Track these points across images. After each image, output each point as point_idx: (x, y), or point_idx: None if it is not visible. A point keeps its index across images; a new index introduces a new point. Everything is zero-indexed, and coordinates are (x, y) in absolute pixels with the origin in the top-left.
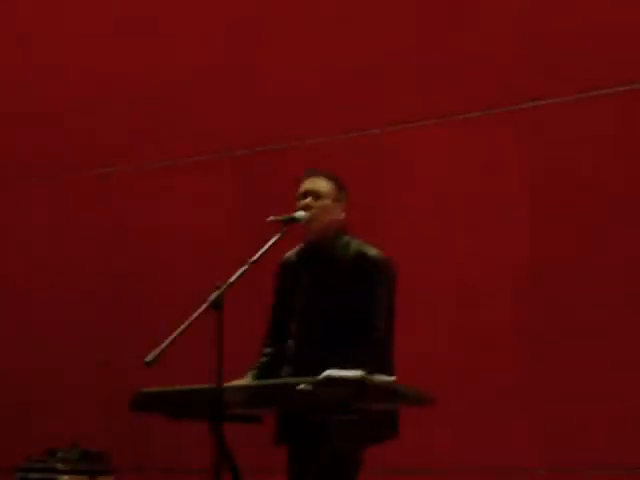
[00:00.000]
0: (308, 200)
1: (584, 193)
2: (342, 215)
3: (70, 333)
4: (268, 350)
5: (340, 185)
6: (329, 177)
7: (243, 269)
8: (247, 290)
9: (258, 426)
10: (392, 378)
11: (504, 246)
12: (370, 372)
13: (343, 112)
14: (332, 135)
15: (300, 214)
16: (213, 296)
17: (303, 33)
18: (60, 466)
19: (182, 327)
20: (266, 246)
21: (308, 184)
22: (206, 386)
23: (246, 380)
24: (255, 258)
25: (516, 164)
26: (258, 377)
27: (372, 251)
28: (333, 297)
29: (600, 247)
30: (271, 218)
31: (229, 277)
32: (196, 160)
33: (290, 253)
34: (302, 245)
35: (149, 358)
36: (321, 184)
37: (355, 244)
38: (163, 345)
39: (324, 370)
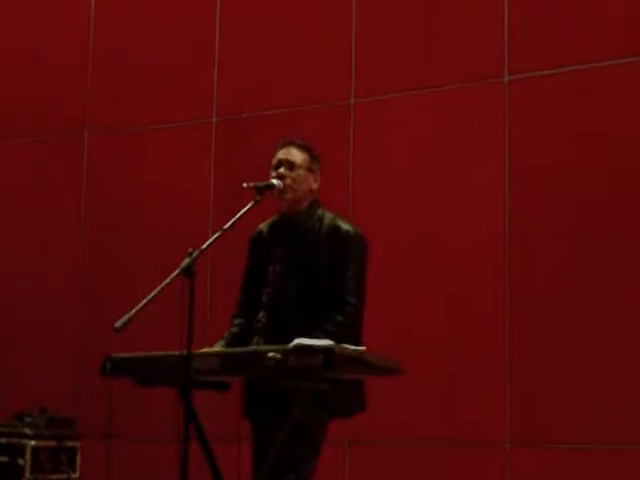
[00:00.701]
0: (282, 170)
1: (564, 166)
2: (315, 185)
3: (41, 297)
4: (238, 321)
5: (314, 155)
6: (303, 147)
7: (216, 236)
8: (222, 257)
9: (225, 395)
10: (362, 348)
11: (482, 218)
12: (340, 343)
13: (316, 81)
14: (306, 105)
15: (275, 181)
16: (185, 263)
17: (283, 2)
18: (27, 431)
19: (152, 293)
20: (240, 213)
21: (282, 154)
22: (175, 352)
23: (214, 348)
24: (228, 225)
25: (494, 137)
26: (227, 347)
27: (345, 225)
28: (305, 270)
29: (580, 218)
30: (246, 184)
31: (203, 243)
32: (174, 126)
33: (262, 225)
34: (275, 217)
35: (118, 324)
36: (295, 154)
37: (328, 217)
38: (132, 311)
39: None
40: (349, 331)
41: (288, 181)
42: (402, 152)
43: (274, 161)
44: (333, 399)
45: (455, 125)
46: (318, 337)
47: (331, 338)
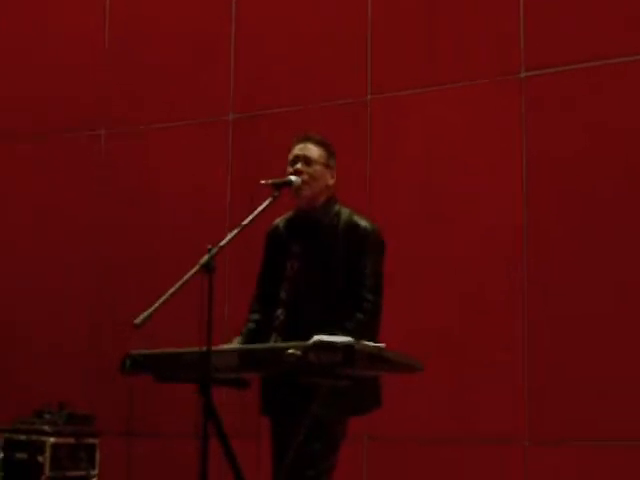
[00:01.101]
0: (299, 165)
1: (581, 160)
2: (332, 181)
3: (60, 294)
4: (255, 317)
5: (330, 151)
6: (320, 142)
7: (235, 232)
8: (239, 253)
9: (245, 392)
10: (382, 345)
11: (499, 214)
12: (359, 340)
13: (333, 78)
14: (323, 101)
15: (293, 178)
16: (204, 259)
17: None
18: (46, 428)
19: (172, 290)
20: (258, 210)
21: (299, 149)
22: (195, 349)
23: (233, 345)
24: (247, 221)
25: (511, 133)
26: (245, 343)
27: (363, 222)
28: (323, 267)
29: (597, 212)
30: (264, 181)
31: (221, 240)
32: (190, 124)
33: (278, 220)
34: (291, 212)
35: (138, 320)
36: (312, 149)
37: (345, 213)
38: (152, 308)
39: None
40: (368, 328)
41: (305, 177)
42: (420, 149)
43: (290, 157)
44: (351, 396)
45: (472, 121)
46: (337, 334)
47: (351, 336)
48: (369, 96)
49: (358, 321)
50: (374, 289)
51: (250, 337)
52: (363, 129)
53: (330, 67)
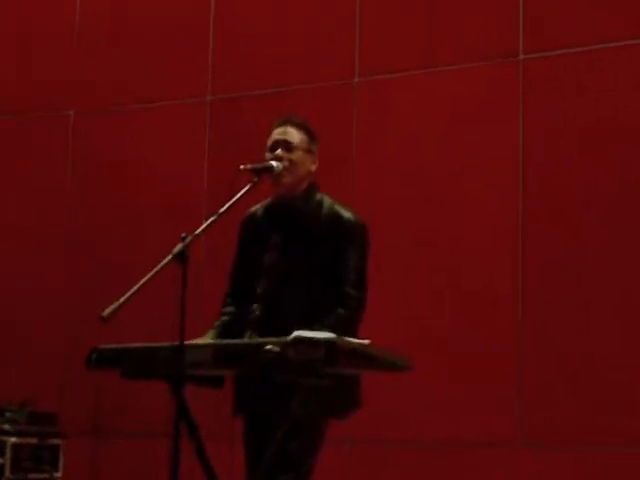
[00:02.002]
0: (279, 151)
1: (581, 145)
2: (314, 168)
3: (22, 284)
4: (229, 309)
5: (313, 135)
6: (301, 126)
7: (211, 220)
8: (216, 243)
9: (219, 392)
10: (366, 341)
11: (494, 203)
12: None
13: (318, 59)
14: (307, 83)
15: (274, 163)
16: (178, 248)
17: None
18: (7, 427)
19: (142, 281)
20: (236, 197)
21: (279, 133)
22: (167, 344)
23: (205, 339)
24: (224, 209)
25: (508, 117)
26: (218, 337)
27: (346, 213)
28: (303, 259)
29: (596, 199)
30: (243, 166)
31: (197, 228)
32: (166, 105)
33: (255, 208)
34: (269, 200)
35: (106, 313)
36: (293, 134)
37: (328, 203)
38: (121, 300)
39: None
40: (349, 325)
41: (286, 163)
42: (410, 135)
43: (270, 141)
44: (327, 395)
45: (468, 105)
46: (316, 330)
47: (330, 332)
48: (356, 78)
49: (339, 316)
50: (357, 284)
51: (224, 331)
52: (349, 113)
53: (315, 46)
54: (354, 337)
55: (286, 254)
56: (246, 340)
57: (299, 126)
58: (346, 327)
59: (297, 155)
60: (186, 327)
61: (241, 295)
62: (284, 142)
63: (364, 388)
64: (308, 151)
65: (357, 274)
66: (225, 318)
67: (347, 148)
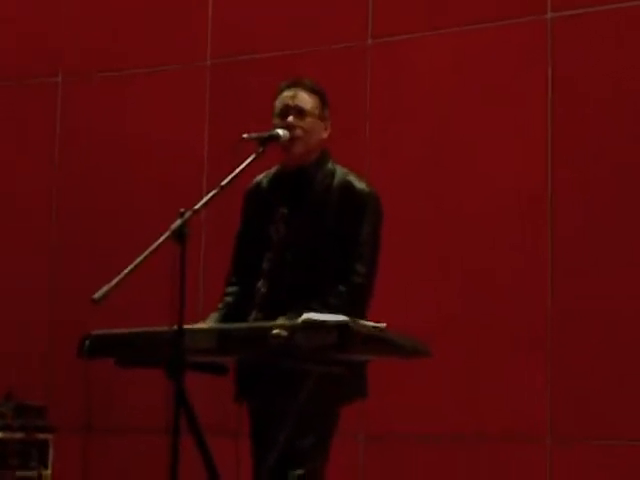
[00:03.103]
0: (290, 118)
1: (612, 109)
2: (326, 135)
3: (6, 267)
4: (232, 289)
5: (325, 100)
6: (313, 90)
7: (212, 194)
8: (217, 219)
9: (222, 381)
10: (382, 324)
11: (519, 177)
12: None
13: (327, 19)
14: (315, 46)
15: (281, 132)
16: (175, 225)
17: None
18: None
19: (137, 260)
20: (239, 168)
21: (289, 98)
22: (165, 328)
23: (208, 323)
24: (226, 182)
25: (535, 79)
26: (222, 321)
27: (360, 184)
28: (313, 233)
29: (629, 163)
30: (246, 135)
31: (196, 203)
32: (162, 70)
33: (261, 177)
34: (277, 168)
35: (97, 295)
36: (305, 98)
37: (340, 173)
38: (114, 281)
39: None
40: (355, 306)
41: (298, 132)
42: (428, 101)
43: (279, 106)
44: (339, 382)
45: (491, 68)
46: (318, 311)
47: (332, 312)
48: (369, 40)
49: (343, 296)
50: (367, 260)
51: (228, 314)
52: (362, 78)
53: (324, 6)
54: (361, 318)
55: (294, 227)
56: (250, 324)
57: (311, 89)
58: (349, 308)
59: (309, 122)
60: (186, 311)
61: (246, 272)
62: (295, 107)
63: (379, 375)
64: (321, 117)
65: (368, 249)
66: (228, 299)
67: (359, 115)
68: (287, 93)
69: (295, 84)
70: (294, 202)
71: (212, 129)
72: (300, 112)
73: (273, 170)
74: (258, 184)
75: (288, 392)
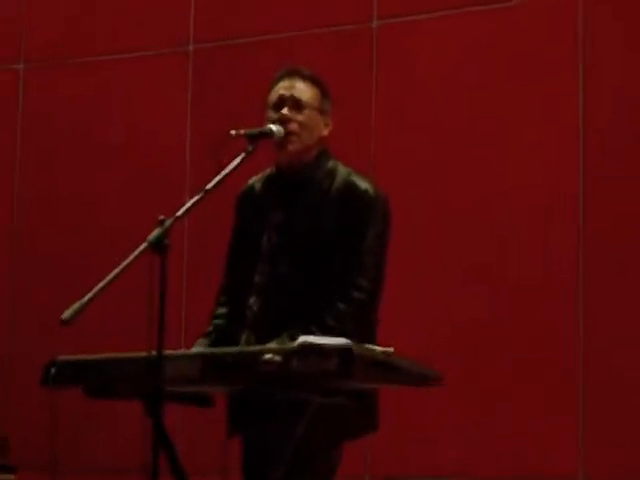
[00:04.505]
0: (285, 111)
1: None
2: (326, 131)
3: None
4: (223, 310)
5: (325, 91)
6: (312, 79)
7: (195, 199)
8: (202, 227)
9: (207, 412)
10: (389, 349)
11: (545, 172)
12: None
13: (329, 1)
14: (313, 28)
15: (274, 127)
16: (154, 234)
17: None
18: None
19: (112, 275)
20: (226, 170)
21: (285, 88)
22: (142, 353)
23: (195, 349)
24: (211, 185)
25: (562, 61)
26: (211, 346)
27: (364, 184)
28: (310, 242)
29: None
30: (234, 132)
31: (177, 209)
32: (140, 56)
33: (254, 180)
34: (271, 170)
35: (66, 315)
36: (302, 89)
37: (343, 172)
38: (85, 298)
39: (295, 340)
40: (356, 325)
41: (294, 126)
42: (439, 87)
43: (273, 97)
44: (343, 414)
45: (509, 50)
46: (313, 333)
47: (330, 335)
48: (375, 21)
49: (343, 315)
50: (370, 273)
51: (218, 339)
52: (366, 62)
53: None
54: (365, 339)
55: (288, 235)
56: (240, 348)
57: (310, 79)
58: (349, 329)
59: (307, 115)
60: (166, 334)
61: (239, 289)
62: (292, 99)
63: (387, 407)
64: (320, 111)
65: (372, 260)
66: (218, 322)
67: (364, 105)
68: (283, 83)
69: (292, 73)
70: (290, 207)
71: (195, 122)
72: (297, 104)
73: (267, 172)
74: (251, 188)
75: (285, 424)
